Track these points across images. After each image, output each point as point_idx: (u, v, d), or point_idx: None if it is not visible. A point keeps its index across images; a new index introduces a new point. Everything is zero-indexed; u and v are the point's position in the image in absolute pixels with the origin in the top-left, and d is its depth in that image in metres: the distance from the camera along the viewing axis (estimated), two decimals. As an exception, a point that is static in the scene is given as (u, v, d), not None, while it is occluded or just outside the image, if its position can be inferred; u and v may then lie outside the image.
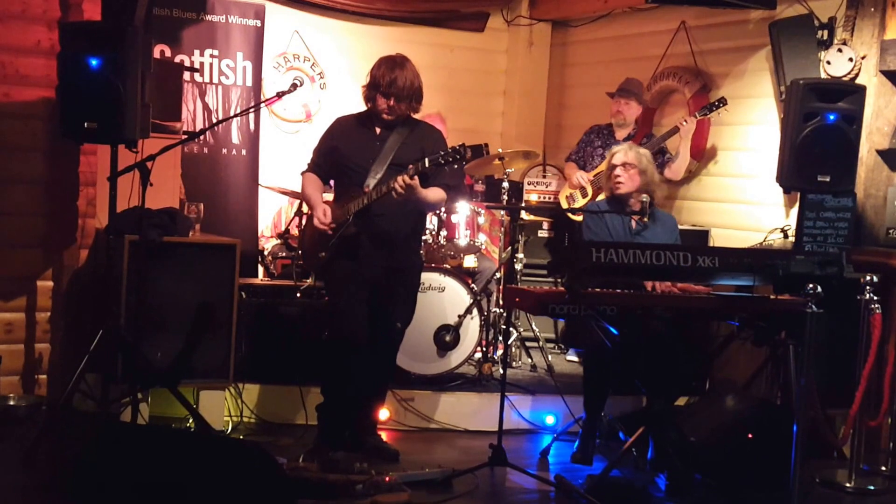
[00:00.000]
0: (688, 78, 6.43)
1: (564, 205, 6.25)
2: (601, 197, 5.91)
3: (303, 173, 4.70)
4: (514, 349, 5.98)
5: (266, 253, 6.14)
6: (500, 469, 4.45)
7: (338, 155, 4.57)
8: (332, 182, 4.71)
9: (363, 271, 4.50)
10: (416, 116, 4.63)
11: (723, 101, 5.93)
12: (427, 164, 4.29)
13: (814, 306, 3.96)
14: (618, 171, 4.84)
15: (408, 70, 4.47)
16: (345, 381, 4.53)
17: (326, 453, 4.40)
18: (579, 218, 5.38)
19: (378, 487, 3.97)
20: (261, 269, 6.18)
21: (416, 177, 4.29)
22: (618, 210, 4.86)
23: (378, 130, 4.54)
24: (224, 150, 6.40)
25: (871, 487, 4.63)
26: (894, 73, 5.26)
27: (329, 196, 4.71)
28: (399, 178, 4.29)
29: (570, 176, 6.27)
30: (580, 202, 6.12)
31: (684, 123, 5.95)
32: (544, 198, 6.93)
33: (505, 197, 5.85)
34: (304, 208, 5.99)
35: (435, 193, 4.49)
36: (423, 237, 5.42)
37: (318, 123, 7.08)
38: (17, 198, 4.83)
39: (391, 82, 4.42)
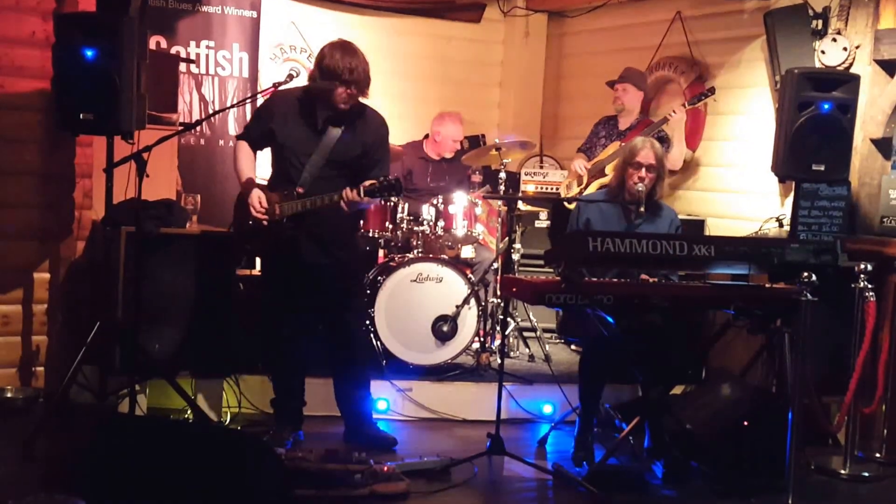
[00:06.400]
0: (683, 68, 6.44)
1: (564, 193, 6.26)
2: (596, 184, 5.92)
3: (237, 139, 4.58)
4: (511, 339, 5.99)
5: (263, 244, 6.12)
6: (498, 458, 4.47)
7: (274, 139, 4.42)
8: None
9: (299, 269, 4.45)
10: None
11: (711, 91, 5.95)
12: (361, 194, 4.17)
13: (808, 294, 3.99)
14: (643, 172, 4.66)
15: (361, 56, 4.28)
16: (280, 369, 4.66)
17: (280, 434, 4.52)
18: (573, 206, 5.38)
19: (376, 476, 3.99)
20: (258, 260, 6.17)
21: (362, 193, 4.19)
22: (615, 200, 4.83)
23: (320, 122, 4.36)
24: (221, 142, 6.39)
25: (866, 474, 4.65)
26: (888, 63, 5.27)
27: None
28: (345, 193, 4.19)
29: (572, 165, 6.31)
30: (574, 191, 6.14)
31: (673, 114, 5.95)
32: (541, 188, 6.93)
33: (502, 187, 5.85)
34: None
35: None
36: (420, 228, 5.53)
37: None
38: (13, 189, 4.83)
39: (352, 70, 4.20)
